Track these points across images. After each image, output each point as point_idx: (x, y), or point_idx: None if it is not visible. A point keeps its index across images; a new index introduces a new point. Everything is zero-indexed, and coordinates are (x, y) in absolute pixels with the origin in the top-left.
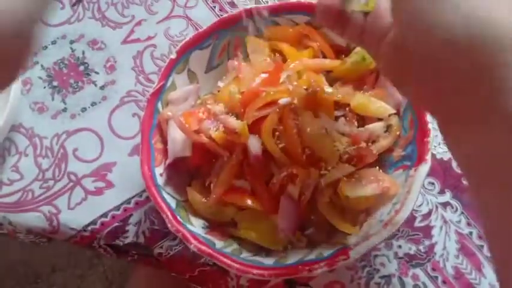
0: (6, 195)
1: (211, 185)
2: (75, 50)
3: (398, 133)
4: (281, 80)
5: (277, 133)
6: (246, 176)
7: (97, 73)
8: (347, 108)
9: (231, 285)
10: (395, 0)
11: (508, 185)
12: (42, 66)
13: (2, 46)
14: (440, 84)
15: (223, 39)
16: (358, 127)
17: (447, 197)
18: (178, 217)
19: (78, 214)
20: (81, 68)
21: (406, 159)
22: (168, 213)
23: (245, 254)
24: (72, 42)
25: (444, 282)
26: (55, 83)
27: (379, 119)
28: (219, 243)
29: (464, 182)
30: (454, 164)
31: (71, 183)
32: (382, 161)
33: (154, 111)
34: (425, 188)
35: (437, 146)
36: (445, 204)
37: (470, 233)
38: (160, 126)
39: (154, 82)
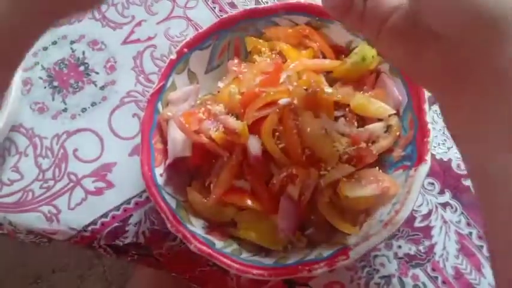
0: (7, 196)
1: (211, 185)
2: (76, 50)
3: (398, 133)
4: (281, 81)
5: (277, 133)
6: (246, 176)
7: (97, 73)
8: (347, 109)
9: (230, 286)
10: None
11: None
12: (42, 66)
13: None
14: (453, 58)
15: (223, 39)
16: (358, 127)
17: (447, 197)
18: (178, 217)
19: (78, 214)
20: (82, 68)
21: (406, 159)
22: (168, 214)
23: (245, 254)
24: (72, 42)
25: (444, 282)
26: (55, 83)
27: (379, 119)
28: (219, 244)
29: (464, 183)
30: (453, 164)
31: (71, 184)
32: (382, 161)
33: (154, 111)
34: (425, 188)
35: (437, 146)
36: (444, 205)
37: (470, 233)
38: (160, 127)
39: (155, 82)
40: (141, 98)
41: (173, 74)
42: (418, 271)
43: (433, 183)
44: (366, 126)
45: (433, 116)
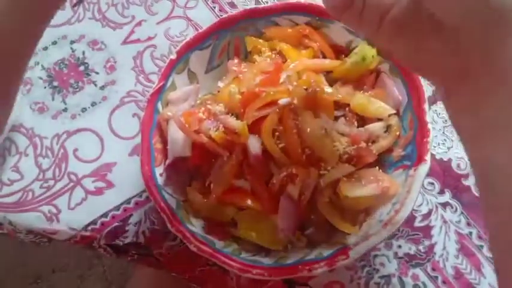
0: (7, 195)
1: (211, 185)
2: (76, 50)
3: (398, 133)
4: (281, 80)
5: (277, 133)
6: (246, 176)
7: (97, 73)
8: (347, 108)
9: (230, 285)
10: None
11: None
12: (42, 66)
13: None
14: (455, 47)
15: (223, 39)
16: (358, 127)
17: (447, 197)
18: (178, 217)
19: (78, 214)
20: (82, 68)
21: (406, 159)
22: (168, 213)
23: (245, 254)
24: (72, 42)
25: (444, 282)
26: (55, 83)
27: (379, 119)
28: (219, 243)
29: (464, 182)
30: (453, 164)
31: (71, 183)
32: (382, 161)
33: (154, 111)
34: (425, 188)
35: (437, 146)
36: (444, 204)
37: (470, 233)
38: (160, 127)
39: (154, 82)
40: (141, 98)
41: (173, 73)
42: (418, 271)
43: (433, 183)
44: (366, 126)
45: (433, 116)
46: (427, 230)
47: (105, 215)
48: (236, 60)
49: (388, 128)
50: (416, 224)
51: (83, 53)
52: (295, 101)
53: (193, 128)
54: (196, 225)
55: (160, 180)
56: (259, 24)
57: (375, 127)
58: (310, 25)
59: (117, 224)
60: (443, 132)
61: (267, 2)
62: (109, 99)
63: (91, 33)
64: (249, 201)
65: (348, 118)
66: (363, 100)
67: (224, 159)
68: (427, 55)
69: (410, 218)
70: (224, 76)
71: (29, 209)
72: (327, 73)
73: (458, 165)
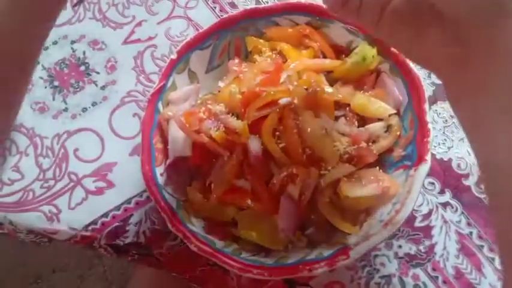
0: (7, 195)
1: (212, 185)
2: (76, 50)
3: (398, 133)
4: (281, 80)
5: (277, 133)
6: (246, 176)
7: (98, 73)
8: (347, 108)
9: (231, 285)
10: None
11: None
12: (43, 66)
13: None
14: (456, 36)
15: (223, 39)
16: (358, 127)
17: (447, 197)
18: (178, 217)
19: (79, 214)
20: (82, 68)
21: (406, 159)
22: (169, 213)
23: (245, 254)
24: (73, 42)
25: (444, 282)
26: (56, 83)
27: (379, 119)
28: (219, 243)
29: (464, 182)
30: (454, 164)
31: (72, 183)
32: (382, 161)
33: (154, 111)
34: (426, 188)
35: (437, 146)
36: (445, 204)
37: (471, 233)
38: (160, 126)
39: (155, 82)
40: (142, 98)
41: (174, 73)
42: (418, 271)
43: (433, 183)
44: (366, 126)
45: (433, 116)
46: (427, 230)
47: (105, 214)
48: (237, 60)
49: (388, 128)
50: (417, 224)
51: (84, 52)
52: (295, 101)
53: (193, 128)
54: (196, 225)
55: (160, 180)
56: (259, 24)
57: (375, 127)
58: (311, 25)
59: (117, 223)
60: (444, 132)
61: (267, 2)
62: (109, 99)
63: (91, 33)
64: (249, 201)
65: (348, 118)
66: (363, 100)
67: (224, 159)
68: (428, 45)
69: (411, 218)
70: (225, 76)
71: (29, 209)
72: (327, 73)
73: (458, 165)
